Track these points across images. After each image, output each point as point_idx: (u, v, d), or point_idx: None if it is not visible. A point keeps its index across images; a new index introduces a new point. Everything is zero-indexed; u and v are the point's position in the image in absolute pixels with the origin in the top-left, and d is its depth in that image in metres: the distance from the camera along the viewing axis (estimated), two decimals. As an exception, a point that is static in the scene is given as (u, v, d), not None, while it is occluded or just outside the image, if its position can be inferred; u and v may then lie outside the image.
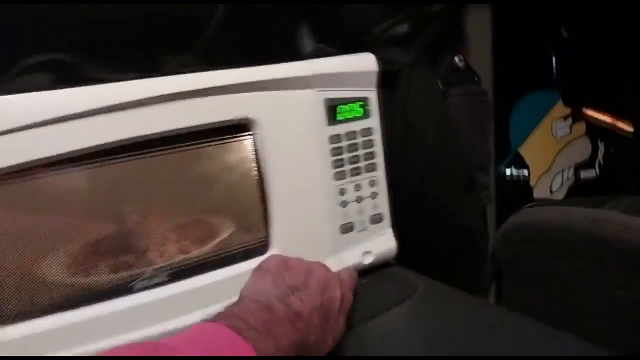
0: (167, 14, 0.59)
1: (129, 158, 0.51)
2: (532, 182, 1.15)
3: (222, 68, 0.60)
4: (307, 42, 0.70)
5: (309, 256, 0.63)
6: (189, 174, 0.56)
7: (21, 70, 0.52)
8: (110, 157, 0.50)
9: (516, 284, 0.64)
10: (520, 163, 1.12)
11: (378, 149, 0.63)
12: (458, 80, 0.81)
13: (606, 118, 1.21)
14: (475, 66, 0.87)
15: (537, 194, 1.17)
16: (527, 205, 0.66)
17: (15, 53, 0.52)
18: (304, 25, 0.70)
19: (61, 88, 0.52)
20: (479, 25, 0.87)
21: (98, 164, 0.49)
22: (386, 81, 0.67)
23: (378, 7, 0.70)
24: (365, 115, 0.61)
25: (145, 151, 0.51)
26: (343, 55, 0.60)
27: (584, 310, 0.57)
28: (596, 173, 1.23)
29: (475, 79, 0.84)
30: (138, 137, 0.50)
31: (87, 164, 0.49)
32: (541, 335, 0.50)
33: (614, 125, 1.22)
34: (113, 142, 0.49)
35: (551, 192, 1.19)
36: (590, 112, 1.20)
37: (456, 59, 0.82)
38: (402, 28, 0.69)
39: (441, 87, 0.80)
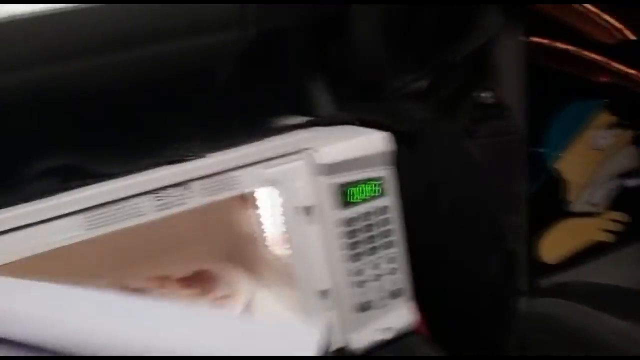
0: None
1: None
2: (570, 196, 1.10)
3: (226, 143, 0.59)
4: (323, 101, 0.66)
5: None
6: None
7: (30, 177, 0.52)
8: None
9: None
10: (556, 178, 1.06)
11: (395, 225, 0.60)
12: (486, 118, 0.76)
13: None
14: (507, 93, 0.82)
15: (577, 207, 1.11)
16: (545, 291, 0.63)
17: (24, 159, 0.52)
18: (319, 81, 0.67)
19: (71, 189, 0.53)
20: (510, 54, 0.80)
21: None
22: (405, 140, 0.64)
23: (396, 60, 0.65)
24: (380, 193, 0.59)
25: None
26: (355, 136, 0.57)
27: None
28: (643, 183, 1.16)
29: (506, 112, 0.79)
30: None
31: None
32: None
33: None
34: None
35: (592, 204, 1.13)
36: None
37: (484, 95, 0.76)
38: (423, 83, 0.65)
39: (468, 127, 0.75)
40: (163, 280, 0.73)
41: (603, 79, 1.04)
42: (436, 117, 0.67)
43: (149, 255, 0.80)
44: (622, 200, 1.16)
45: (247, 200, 0.70)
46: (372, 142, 0.56)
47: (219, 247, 0.87)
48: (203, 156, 0.58)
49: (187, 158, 0.57)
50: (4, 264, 0.46)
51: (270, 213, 0.64)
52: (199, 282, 0.76)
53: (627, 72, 1.03)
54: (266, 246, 0.69)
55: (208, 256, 0.84)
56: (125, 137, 0.56)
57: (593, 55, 0.99)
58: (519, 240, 0.84)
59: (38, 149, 0.53)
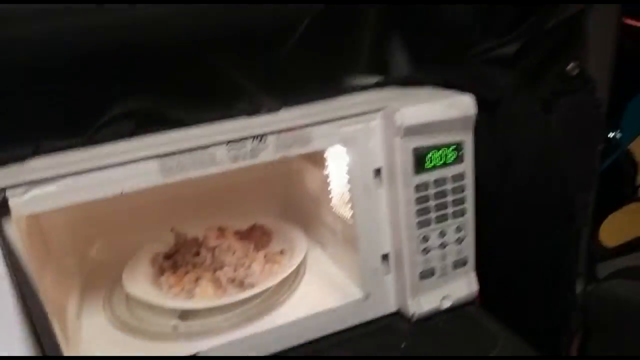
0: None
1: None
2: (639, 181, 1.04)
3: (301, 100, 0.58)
4: (401, 61, 0.63)
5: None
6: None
7: (107, 119, 0.52)
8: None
9: (600, 344, 0.60)
10: (627, 161, 1.01)
11: (469, 192, 0.58)
12: (568, 92, 0.72)
13: None
14: (593, 69, 0.76)
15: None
16: (618, 272, 0.60)
17: (101, 102, 0.52)
18: (399, 40, 0.63)
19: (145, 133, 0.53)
20: (602, 29, 0.74)
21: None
22: (484, 108, 0.61)
23: (484, 23, 0.61)
24: (458, 160, 0.56)
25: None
26: (438, 98, 0.54)
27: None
28: None
29: (590, 87, 0.74)
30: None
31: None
32: None
33: None
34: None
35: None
36: None
37: (570, 67, 0.71)
38: (510, 48, 0.60)
39: (550, 99, 0.71)
40: (222, 232, 0.74)
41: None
42: (518, 86, 0.63)
43: (210, 207, 0.81)
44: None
45: (314, 158, 0.68)
46: (456, 105, 0.53)
47: (277, 204, 0.87)
48: (277, 111, 0.56)
49: (261, 112, 0.56)
50: (75, 204, 0.47)
51: (338, 173, 0.63)
52: (254, 236, 0.76)
53: None
54: (330, 206, 0.68)
55: (266, 212, 0.84)
56: (200, 86, 0.55)
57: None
58: (587, 220, 0.80)
59: (115, 92, 0.52)
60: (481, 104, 0.59)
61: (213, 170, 0.50)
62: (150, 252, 0.74)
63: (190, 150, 0.48)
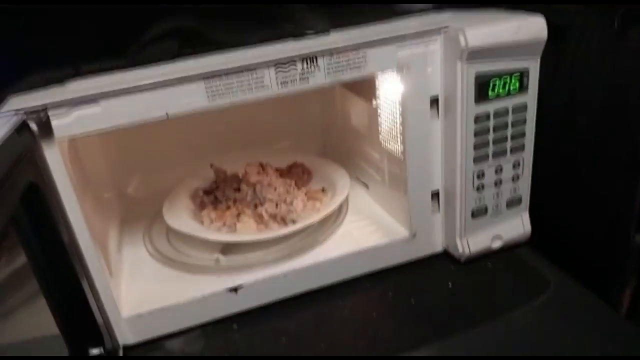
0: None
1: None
2: None
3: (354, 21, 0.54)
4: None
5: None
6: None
7: (149, 39, 0.49)
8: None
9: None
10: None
11: (530, 126, 0.54)
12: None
13: None
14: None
15: None
16: None
17: (141, 23, 0.49)
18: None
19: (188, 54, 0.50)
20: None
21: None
22: (551, 36, 0.55)
23: None
24: (522, 89, 0.52)
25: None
26: (506, 19, 0.49)
27: None
28: None
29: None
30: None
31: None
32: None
33: None
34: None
35: None
36: None
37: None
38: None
39: (623, 27, 0.64)
40: (262, 168, 0.71)
41: None
42: (591, 12, 0.57)
43: (249, 143, 0.79)
44: None
45: (361, 88, 0.65)
46: (527, 27, 0.49)
47: (314, 141, 0.84)
48: (326, 33, 0.53)
49: (309, 33, 0.52)
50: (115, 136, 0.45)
51: (388, 104, 0.59)
52: (295, 173, 0.74)
53: None
54: (378, 141, 0.64)
55: (302, 149, 0.82)
56: (245, 5, 0.51)
57: None
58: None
59: (155, 11, 0.49)
60: (549, 29, 0.54)
61: (261, 94, 0.47)
62: (189, 187, 0.73)
63: (237, 71, 0.45)
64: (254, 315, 0.56)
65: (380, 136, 0.63)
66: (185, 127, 0.72)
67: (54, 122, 0.43)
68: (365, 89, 0.63)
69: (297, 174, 0.75)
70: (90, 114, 0.43)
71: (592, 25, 0.59)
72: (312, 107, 0.83)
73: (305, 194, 0.69)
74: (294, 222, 0.63)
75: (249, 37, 0.52)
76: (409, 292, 0.58)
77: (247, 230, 0.63)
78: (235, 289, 0.55)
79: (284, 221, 0.64)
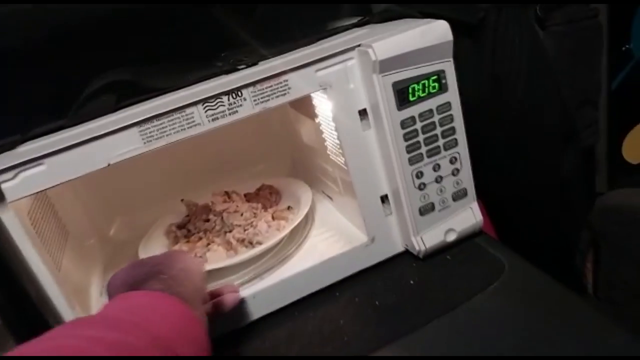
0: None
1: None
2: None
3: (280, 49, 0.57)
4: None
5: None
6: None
7: (88, 96, 0.52)
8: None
9: (612, 257, 0.59)
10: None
11: (458, 122, 0.57)
12: (560, 4, 0.68)
13: None
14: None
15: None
16: (621, 184, 0.58)
17: (79, 82, 0.53)
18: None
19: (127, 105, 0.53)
20: None
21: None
22: (467, 32, 0.58)
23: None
24: (442, 89, 0.54)
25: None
26: (411, 27, 0.52)
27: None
28: None
29: (584, -4, 0.70)
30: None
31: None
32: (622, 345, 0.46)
33: None
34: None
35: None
36: None
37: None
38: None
39: (539, 13, 0.67)
40: (228, 195, 0.75)
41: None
42: (504, 4, 0.60)
43: (217, 174, 0.82)
44: None
45: (306, 108, 0.68)
46: (430, 32, 0.52)
47: (283, 162, 0.88)
48: (256, 64, 0.56)
49: (240, 67, 0.55)
50: (77, 180, 0.48)
51: (327, 120, 0.62)
52: (263, 196, 0.77)
53: None
54: (327, 155, 0.68)
55: (273, 171, 0.85)
56: (177, 50, 0.55)
57: None
58: (597, 137, 0.78)
59: (93, 68, 0.53)
60: (464, 28, 0.57)
61: (194, 132, 0.50)
62: (164, 225, 0.76)
63: (167, 113, 0.49)
64: (227, 339, 0.59)
65: (328, 150, 0.66)
66: (160, 163, 0.76)
67: (4, 186, 0.46)
68: (306, 107, 0.66)
69: (265, 196, 0.78)
70: (36, 173, 0.47)
71: (508, 19, 0.62)
72: (277, 128, 0.87)
73: (273, 214, 0.72)
74: (260, 244, 0.66)
75: (183, 80, 0.55)
76: (374, 295, 0.60)
77: (217, 258, 0.66)
78: (206, 316, 0.57)
79: (251, 244, 0.67)
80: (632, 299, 0.63)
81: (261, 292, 0.59)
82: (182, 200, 0.78)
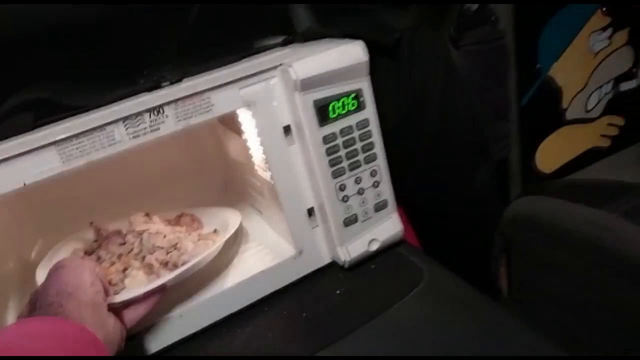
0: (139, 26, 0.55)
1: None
2: (564, 104, 1.08)
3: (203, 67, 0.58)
4: (303, 18, 0.64)
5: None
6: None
7: (2, 115, 0.51)
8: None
9: (523, 262, 0.64)
10: (550, 87, 1.04)
11: (376, 137, 0.60)
12: (471, 26, 0.73)
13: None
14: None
15: (572, 114, 1.09)
16: (530, 192, 0.63)
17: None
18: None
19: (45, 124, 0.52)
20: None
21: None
22: (384, 53, 0.62)
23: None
24: (360, 107, 0.57)
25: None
26: (329, 48, 0.55)
27: (586, 302, 0.56)
28: (638, 84, 1.13)
29: (491, 19, 0.76)
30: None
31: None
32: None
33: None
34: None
35: (587, 110, 1.12)
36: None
37: (466, 6, 0.73)
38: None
39: (453, 34, 0.72)
40: (149, 216, 0.72)
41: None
42: (419, 26, 0.64)
43: (144, 194, 0.80)
44: (617, 104, 1.14)
45: (232, 125, 0.69)
46: (347, 53, 0.54)
47: (215, 178, 0.87)
48: (179, 81, 0.56)
49: (162, 84, 0.56)
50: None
51: (253, 136, 0.64)
52: (184, 222, 0.75)
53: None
54: (255, 170, 0.69)
55: (209, 184, 0.83)
56: (97, 68, 0.54)
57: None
58: (510, 149, 0.84)
59: (8, 85, 0.51)
60: (380, 49, 0.60)
61: (114, 150, 0.50)
62: (67, 250, 0.70)
63: (87, 132, 0.48)
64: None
65: (256, 165, 0.68)
66: (81, 182, 0.73)
67: None
68: (234, 124, 0.67)
69: (186, 222, 0.75)
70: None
71: (423, 40, 0.66)
72: (207, 144, 0.87)
73: (198, 237, 0.70)
74: (185, 263, 0.64)
75: (104, 97, 0.55)
76: (302, 307, 0.61)
77: (137, 284, 0.61)
78: (131, 337, 0.56)
79: (176, 267, 0.64)
80: (542, 300, 0.68)
81: (188, 310, 0.59)
82: (91, 223, 0.73)
